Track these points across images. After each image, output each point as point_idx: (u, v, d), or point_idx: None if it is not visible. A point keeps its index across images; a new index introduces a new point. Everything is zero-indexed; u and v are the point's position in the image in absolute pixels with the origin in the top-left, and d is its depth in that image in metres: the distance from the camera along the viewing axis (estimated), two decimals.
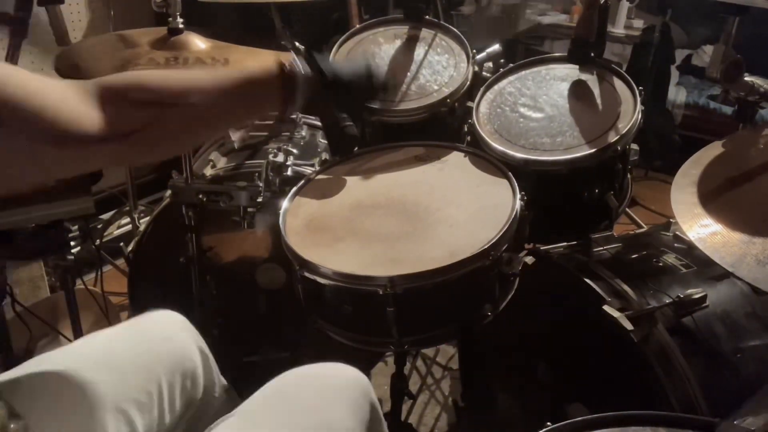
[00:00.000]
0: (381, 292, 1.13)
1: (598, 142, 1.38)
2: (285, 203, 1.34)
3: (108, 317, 1.85)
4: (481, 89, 1.57)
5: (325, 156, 1.70)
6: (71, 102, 0.79)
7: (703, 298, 1.21)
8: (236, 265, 1.69)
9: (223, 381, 1.10)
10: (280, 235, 1.26)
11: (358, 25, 1.76)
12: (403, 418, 1.48)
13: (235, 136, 1.81)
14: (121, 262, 2.29)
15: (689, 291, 1.21)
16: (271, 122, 1.87)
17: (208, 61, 1.38)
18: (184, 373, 1.01)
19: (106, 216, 2.50)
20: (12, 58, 1.46)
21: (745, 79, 1.40)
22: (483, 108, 1.54)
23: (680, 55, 3.53)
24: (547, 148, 1.41)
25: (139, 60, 1.35)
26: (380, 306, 1.14)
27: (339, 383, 1.01)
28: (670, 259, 1.37)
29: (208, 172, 1.63)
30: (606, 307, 1.21)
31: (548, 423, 0.84)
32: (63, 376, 0.89)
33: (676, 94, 3.59)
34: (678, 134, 3.44)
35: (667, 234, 1.49)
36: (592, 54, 1.49)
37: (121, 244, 2.14)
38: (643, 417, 0.84)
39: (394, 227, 1.25)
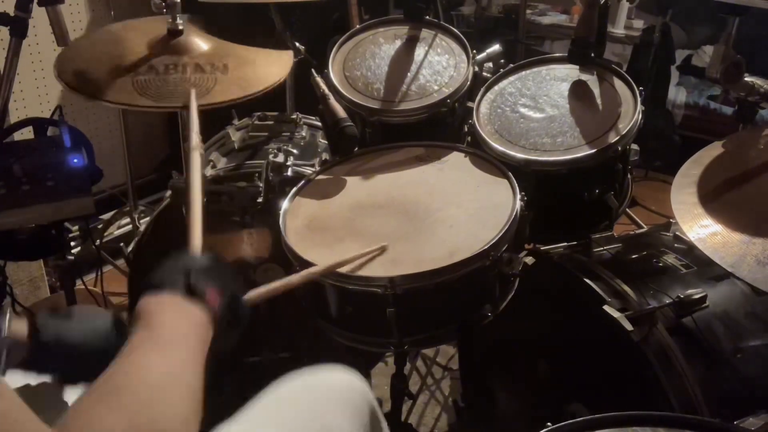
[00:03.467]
0: (381, 293, 1.13)
1: (598, 143, 1.38)
2: (285, 203, 1.34)
3: None
4: (482, 89, 1.57)
5: (325, 156, 1.70)
6: None
7: (703, 298, 1.21)
8: (236, 265, 1.69)
9: None
10: (280, 235, 1.26)
11: (358, 25, 1.76)
12: (403, 418, 1.48)
13: (235, 136, 1.81)
14: (121, 262, 2.29)
15: (689, 291, 1.21)
16: (271, 122, 1.87)
17: (207, 68, 1.38)
18: None
19: (106, 216, 2.50)
20: (12, 58, 1.46)
21: (745, 79, 1.40)
22: (483, 108, 1.54)
23: (680, 55, 3.53)
24: (548, 149, 1.41)
25: (138, 70, 1.36)
26: (380, 306, 1.14)
27: (338, 388, 1.01)
28: (670, 259, 1.37)
29: (209, 172, 1.63)
30: (606, 307, 1.21)
31: (548, 423, 0.84)
32: None
33: (676, 95, 3.59)
34: (678, 134, 3.44)
35: (667, 234, 1.49)
36: (593, 54, 1.49)
37: (121, 244, 2.14)
38: (643, 417, 0.84)
39: (394, 227, 1.25)
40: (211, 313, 0.75)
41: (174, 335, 0.70)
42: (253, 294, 0.95)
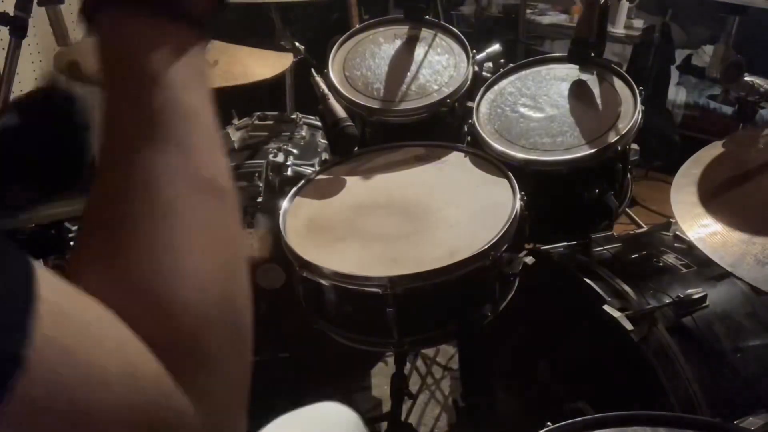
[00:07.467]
0: (381, 293, 1.13)
1: (598, 142, 1.38)
2: (285, 203, 1.34)
3: None
4: (482, 89, 1.57)
5: (325, 156, 1.70)
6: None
7: (703, 298, 1.21)
8: None
9: None
10: (280, 235, 1.26)
11: (358, 25, 1.76)
12: (403, 418, 1.48)
13: (235, 136, 1.81)
14: None
15: (689, 291, 1.21)
16: (271, 122, 1.87)
17: None
18: None
19: None
20: (12, 58, 1.46)
21: (745, 79, 1.40)
22: (483, 108, 1.54)
23: (680, 55, 3.53)
24: (548, 148, 1.41)
25: None
26: (380, 306, 1.14)
27: (334, 426, 1.01)
28: (670, 259, 1.37)
29: None
30: (606, 307, 1.21)
31: (548, 423, 0.84)
32: None
33: (676, 94, 3.59)
34: (678, 134, 3.44)
35: (667, 234, 1.49)
36: (592, 54, 1.49)
37: None
38: (643, 417, 0.84)
39: (394, 227, 1.25)
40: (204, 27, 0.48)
41: (178, 106, 0.43)
42: None
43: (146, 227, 0.37)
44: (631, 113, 1.42)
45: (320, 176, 1.44)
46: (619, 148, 1.38)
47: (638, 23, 3.38)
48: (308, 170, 1.58)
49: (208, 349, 0.36)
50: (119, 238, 0.37)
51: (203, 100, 0.44)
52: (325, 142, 1.66)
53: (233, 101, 1.94)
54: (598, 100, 1.49)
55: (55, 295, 0.33)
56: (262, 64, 1.44)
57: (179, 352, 0.35)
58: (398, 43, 1.68)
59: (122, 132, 0.41)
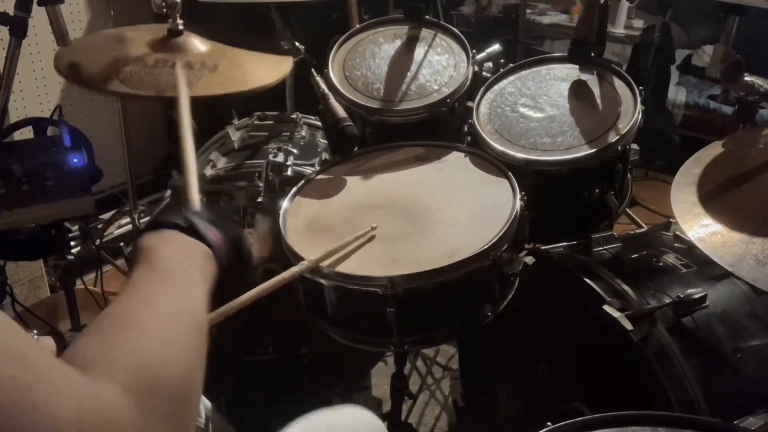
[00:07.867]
0: (381, 292, 1.13)
1: (598, 142, 1.38)
2: (285, 203, 1.34)
3: None
4: (482, 89, 1.57)
5: (325, 156, 1.70)
6: None
7: (703, 298, 1.21)
8: None
9: None
10: (280, 235, 1.26)
11: (358, 25, 1.76)
12: (403, 418, 1.48)
13: (235, 136, 1.81)
14: (121, 262, 2.30)
15: (689, 291, 1.21)
16: (271, 122, 1.87)
17: (196, 66, 1.37)
18: None
19: (106, 216, 2.51)
20: (12, 58, 1.46)
21: (745, 79, 1.40)
22: (483, 108, 1.54)
23: (680, 55, 3.53)
24: (548, 148, 1.41)
25: (128, 63, 1.35)
26: (380, 306, 1.14)
27: (355, 426, 1.03)
28: (670, 259, 1.37)
29: (208, 172, 1.63)
30: (606, 307, 1.21)
31: (548, 423, 0.84)
32: None
33: (676, 94, 3.59)
34: (678, 134, 3.45)
35: (667, 234, 1.49)
36: (592, 54, 1.49)
37: (121, 244, 2.14)
38: (643, 417, 0.84)
39: (394, 227, 1.25)
40: (212, 249, 0.75)
41: (176, 267, 0.69)
42: (251, 294, 0.96)
43: (140, 323, 0.58)
44: (631, 113, 1.42)
45: (320, 176, 1.44)
46: (619, 148, 1.38)
47: (638, 23, 3.38)
48: (308, 170, 1.58)
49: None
50: (120, 326, 0.58)
51: (191, 267, 0.71)
52: (325, 142, 1.66)
53: (233, 101, 1.93)
54: (598, 100, 1.49)
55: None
56: (263, 69, 1.43)
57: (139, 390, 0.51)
58: (398, 43, 1.68)
59: (137, 274, 0.66)
